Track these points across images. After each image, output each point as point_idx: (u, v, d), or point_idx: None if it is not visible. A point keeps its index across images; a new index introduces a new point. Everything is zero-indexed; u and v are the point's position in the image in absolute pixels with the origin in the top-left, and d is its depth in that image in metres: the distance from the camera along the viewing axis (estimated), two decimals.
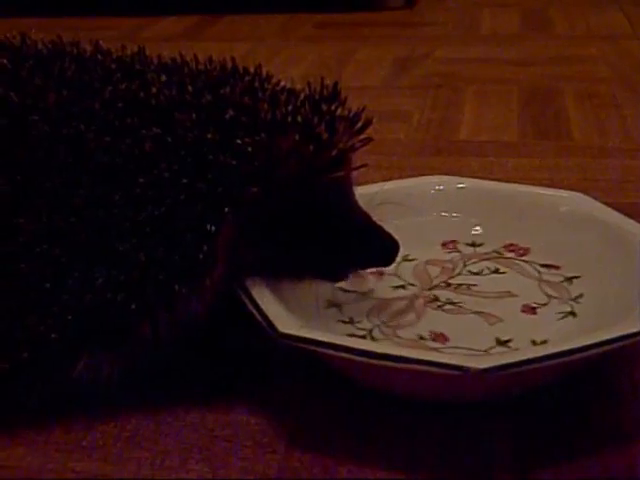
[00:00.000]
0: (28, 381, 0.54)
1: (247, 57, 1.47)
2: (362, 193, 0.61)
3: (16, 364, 0.53)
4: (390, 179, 0.77)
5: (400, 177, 0.79)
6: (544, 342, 0.59)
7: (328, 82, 0.59)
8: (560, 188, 0.74)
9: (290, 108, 0.55)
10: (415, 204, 0.71)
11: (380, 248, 0.60)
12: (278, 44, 1.62)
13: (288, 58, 1.51)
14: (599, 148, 1.03)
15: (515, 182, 0.76)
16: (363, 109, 0.58)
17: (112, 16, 1.87)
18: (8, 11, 1.86)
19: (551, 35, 1.66)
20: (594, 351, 0.51)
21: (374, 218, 0.61)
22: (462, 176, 0.76)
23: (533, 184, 0.76)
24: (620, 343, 0.52)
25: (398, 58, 1.48)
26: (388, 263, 0.61)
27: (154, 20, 1.84)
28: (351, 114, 0.58)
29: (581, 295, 0.64)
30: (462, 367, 0.48)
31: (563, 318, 0.62)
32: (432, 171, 0.78)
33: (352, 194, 0.60)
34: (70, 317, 0.52)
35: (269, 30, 1.76)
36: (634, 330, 0.52)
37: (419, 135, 1.10)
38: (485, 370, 0.48)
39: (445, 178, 0.75)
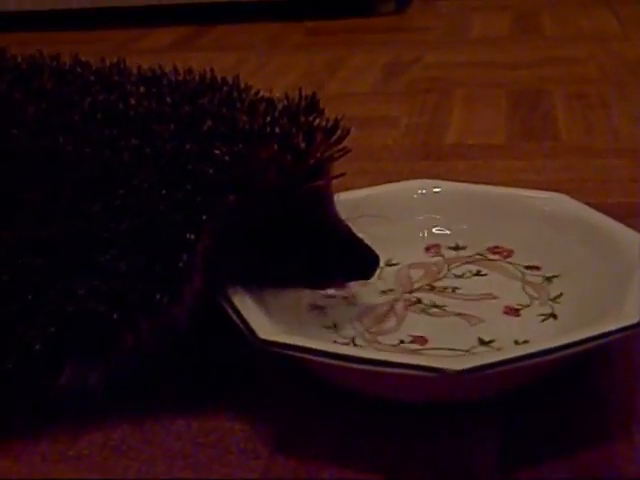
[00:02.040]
0: (14, 391, 0.55)
1: (238, 66, 1.49)
2: (343, 200, 0.62)
3: (1, 374, 0.54)
4: (376, 184, 0.77)
5: (387, 182, 0.79)
6: (526, 342, 0.59)
7: (307, 93, 0.59)
8: (546, 189, 0.74)
9: (268, 119, 0.55)
10: (397, 209, 0.72)
11: (359, 261, 0.61)
12: (269, 52, 1.63)
13: (279, 66, 1.51)
14: (586, 148, 1.03)
15: (501, 184, 0.76)
16: (341, 119, 0.59)
17: (102, 29, 1.88)
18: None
19: (541, 37, 1.66)
20: (573, 350, 0.52)
21: (354, 227, 0.61)
22: (446, 180, 0.76)
23: (519, 186, 0.76)
24: (599, 342, 0.52)
25: (388, 64, 1.49)
26: (367, 277, 0.62)
27: (146, 32, 1.85)
28: (329, 124, 0.58)
29: (560, 295, 0.64)
30: (438, 369, 0.49)
31: (544, 320, 0.62)
32: (419, 175, 0.78)
33: (331, 204, 0.61)
34: (53, 327, 0.53)
35: (260, 39, 1.77)
36: (612, 328, 0.52)
37: (407, 140, 1.10)
38: (461, 371, 0.48)
39: (426, 182, 0.75)
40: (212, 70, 0.60)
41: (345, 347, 0.58)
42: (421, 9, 1.98)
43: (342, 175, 0.59)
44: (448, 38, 1.70)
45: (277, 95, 0.59)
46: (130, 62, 0.62)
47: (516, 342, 0.59)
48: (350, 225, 0.61)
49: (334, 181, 0.60)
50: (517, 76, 1.36)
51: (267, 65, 1.52)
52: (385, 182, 0.79)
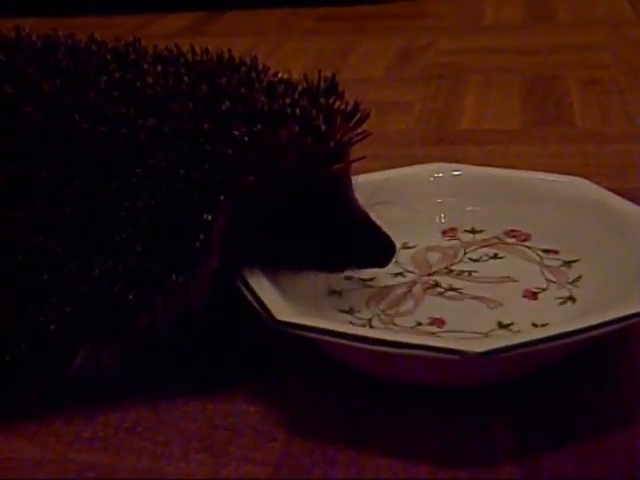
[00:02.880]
0: (28, 372, 0.54)
1: (249, 52, 1.47)
2: (361, 183, 0.61)
3: (16, 356, 0.53)
4: (390, 169, 0.77)
5: (401, 167, 0.79)
6: (545, 325, 0.58)
7: (327, 75, 0.58)
8: (562, 174, 0.74)
9: (288, 100, 0.55)
10: (413, 192, 0.71)
11: (376, 249, 0.60)
12: (280, 38, 1.62)
13: (290, 52, 1.51)
14: (601, 134, 1.02)
15: (516, 169, 0.76)
16: (360, 103, 0.58)
17: (113, 15, 1.87)
18: (7, 11, 1.86)
19: (555, 24, 1.65)
20: (592, 333, 0.51)
21: (372, 212, 0.60)
22: (462, 164, 0.76)
23: (535, 170, 0.75)
24: (618, 325, 0.52)
25: (400, 49, 1.48)
26: (383, 265, 0.61)
27: (155, 17, 1.84)
28: (349, 107, 0.57)
29: (579, 278, 0.64)
30: (459, 351, 0.48)
31: (563, 304, 0.62)
32: (433, 160, 0.77)
33: (350, 188, 0.60)
34: (68, 308, 0.53)
35: (271, 25, 1.76)
36: (631, 312, 0.52)
37: (420, 125, 1.10)
38: (482, 353, 0.48)
39: (443, 165, 0.74)
40: (230, 51, 0.60)
41: (362, 328, 0.58)
42: None
43: (362, 158, 0.59)
44: (461, 24, 1.69)
45: (295, 77, 0.59)
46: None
47: (534, 325, 0.59)
48: (368, 211, 0.60)
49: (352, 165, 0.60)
50: (531, 62, 1.35)
51: (278, 50, 1.51)
52: (399, 167, 0.78)
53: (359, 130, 0.58)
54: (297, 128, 0.54)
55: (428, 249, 0.70)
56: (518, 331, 0.58)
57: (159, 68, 0.56)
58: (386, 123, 1.10)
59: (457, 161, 0.78)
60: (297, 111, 0.54)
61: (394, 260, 0.63)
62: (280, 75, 0.58)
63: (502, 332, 0.58)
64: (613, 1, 1.77)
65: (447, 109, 1.15)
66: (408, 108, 1.16)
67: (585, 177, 0.71)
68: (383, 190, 0.65)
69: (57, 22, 1.80)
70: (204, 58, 0.59)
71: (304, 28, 1.71)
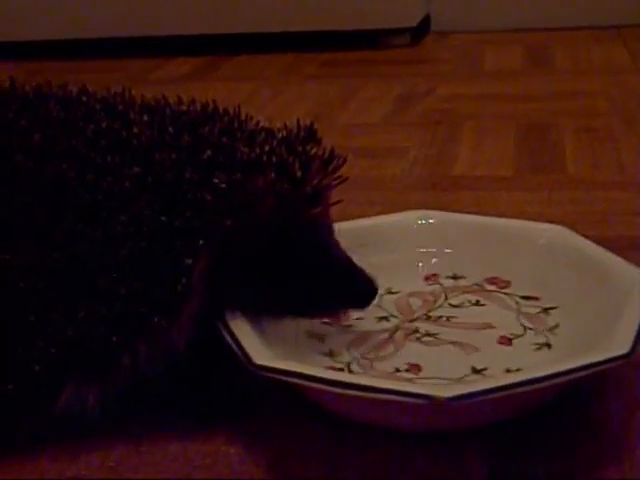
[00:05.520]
0: (14, 412, 0.56)
1: (252, 96, 1.51)
2: (344, 229, 0.63)
3: (1, 394, 0.55)
4: (383, 214, 0.79)
5: (393, 212, 0.80)
6: (518, 370, 0.60)
7: (306, 123, 0.61)
8: (550, 221, 0.75)
9: (267, 148, 0.57)
10: (397, 239, 0.73)
11: (357, 290, 0.62)
12: (282, 83, 1.65)
13: (292, 96, 1.53)
14: (591, 181, 1.04)
15: (506, 216, 0.77)
16: (335, 149, 0.60)
17: (122, 58, 1.91)
18: (18, 55, 1.90)
19: (553, 70, 1.67)
20: (563, 378, 0.52)
21: (355, 257, 0.62)
22: (452, 210, 0.78)
23: (524, 218, 0.77)
24: (588, 371, 0.53)
25: (400, 95, 1.51)
26: (364, 306, 0.63)
27: (162, 62, 1.87)
28: (325, 154, 0.59)
29: (557, 326, 0.65)
30: (427, 396, 0.50)
31: (538, 349, 0.63)
32: (426, 206, 0.79)
33: (330, 232, 0.62)
34: (53, 349, 0.54)
35: (275, 69, 1.79)
36: (601, 358, 0.53)
37: (415, 171, 1.12)
38: (449, 399, 0.49)
39: (427, 213, 0.76)
40: (214, 101, 0.62)
41: (337, 373, 0.59)
42: (435, 42, 2.00)
43: (339, 202, 0.60)
44: (461, 71, 1.72)
45: (277, 125, 0.61)
46: (146, 92, 0.64)
47: (508, 370, 0.60)
48: (350, 254, 0.62)
49: (337, 210, 0.61)
50: (527, 109, 1.37)
51: (281, 95, 1.54)
52: (391, 212, 0.79)
53: (336, 175, 0.59)
54: (274, 175, 0.56)
55: (411, 295, 0.71)
56: (491, 376, 0.59)
57: (145, 118, 0.59)
58: (381, 168, 1.12)
59: (449, 207, 0.79)
60: (274, 159, 0.56)
61: (377, 304, 0.65)
62: (262, 124, 0.60)
63: (475, 377, 0.60)
64: (612, 49, 1.79)
65: (442, 155, 1.17)
66: (404, 154, 1.18)
67: (572, 224, 0.73)
68: (367, 236, 0.67)
69: (64, 65, 1.84)
70: (190, 108, 0.61)
71: (306, 73, 1.74)
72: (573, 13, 2.01)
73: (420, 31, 1.99)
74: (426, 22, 2.05)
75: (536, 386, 0.52)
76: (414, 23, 1.92)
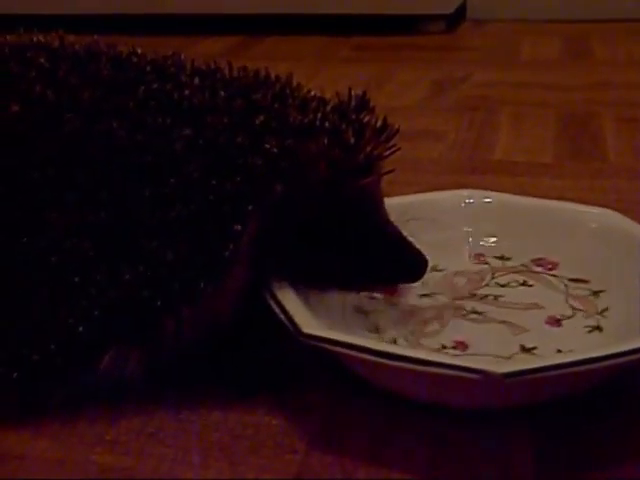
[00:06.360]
0: (56, 373, 0.55)
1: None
2: (393, 203, 0.61)
3: (45, 355, 0.54)
4: None
5: None
6: (570, 352, 0.58)
7: (358, 93, 0.59)
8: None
9: (319, 115, 0.56)
10: (444, 216, 0.72)
11: (408, 263, 0.60)
12: (317, 65, 1.64)
13: (326, 78, 1.52)
14: (634, 170, 1.02)
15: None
16: (386, 119, 0.59)
17: (154, 35, 1.90)
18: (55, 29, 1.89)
19: (591, 62, 1.65)
20: (617, 360, 0.51)
21: (404, 230, 0.61)
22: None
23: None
24: None
25: (436, 80, 1.49)
26: (415, 279, 0.61)
27: (197, 40, 1.86)
28: (378, 122, 0.58)
29: (607, 309, 0.64)
30: (482, 371, 0.48)
31: (590, 332, 0.62)
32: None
33: (381, 203, 0.60)
34: (97, 311, 0.53)
35: (309, 51, 1.78)
36: None
37: (453, 154, 1.10)
38: (504, 374, 0.48)
39: (474, 192, 0.75)
40: (266, 68, 0.61)
41: (390, 345, 0.58)
42: (471, 30, 1.98)
43: (392, 171, 0.59)
44: (498, 59, 1.70)
45: (329, 96, 0.60)
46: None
47: (559, 351, 0.59)
48: (399, 227, 0.61)
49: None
50: (566, 98, 1.35)
51: (315, 77, 1.52)
52: None
53: (389, 145, 0.58)
54: (326, 141, 0.55)
55: (457, 273, 0.70)
56: (542, 355, 0.58)
57: (196, 81, 0.58)
58: (418, 150, 1.10)
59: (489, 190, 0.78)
60: (327, 125, 0.55)
61: (422, 281, 0.64)
62: (313, 92, 0.59)
63: (525, 356, 0.58)
64: None
65: (480, 140, 1.16)
66: (441, 137, 1.17)
67: (616, 211, 0.72)
68: (415, 210, 0.66)
69: (100, 39, 1.83)
70: (241, 74, 0.60)
71: (340, 56, 1.73)
72: (611, 5, 1.99)
73: (456, 18, 1.97)
74: (462, 10, 2.03)
75: (590, 366, 0.51)
76: (450, 10, 1.91)
